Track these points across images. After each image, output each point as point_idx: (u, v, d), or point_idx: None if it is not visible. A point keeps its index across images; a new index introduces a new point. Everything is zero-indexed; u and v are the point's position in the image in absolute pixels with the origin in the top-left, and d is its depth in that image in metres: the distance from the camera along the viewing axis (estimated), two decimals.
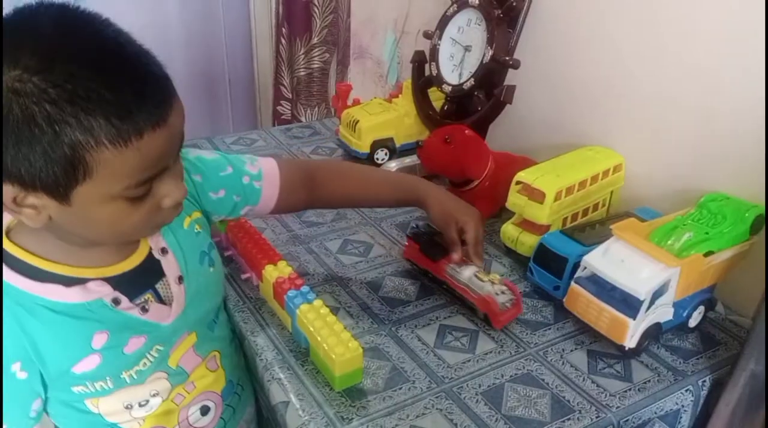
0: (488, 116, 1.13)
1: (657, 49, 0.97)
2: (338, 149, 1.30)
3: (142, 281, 0.68)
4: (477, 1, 1.13)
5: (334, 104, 1.37)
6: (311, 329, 0.72)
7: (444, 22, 1.20)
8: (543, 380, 0.74)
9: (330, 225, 1.04)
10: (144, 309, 0.66)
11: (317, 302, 0.76)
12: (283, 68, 1.77)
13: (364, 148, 1.22)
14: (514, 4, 1.10)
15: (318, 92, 1.82)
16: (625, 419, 0.71)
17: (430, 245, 0.88)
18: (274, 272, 0.81)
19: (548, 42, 1.14)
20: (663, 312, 0.78)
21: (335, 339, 0.70)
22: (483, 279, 0.81)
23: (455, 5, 1.18)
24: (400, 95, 1.29)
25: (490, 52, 1.09)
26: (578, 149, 1.04)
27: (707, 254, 0.79)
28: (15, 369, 0.61)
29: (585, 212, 1.00)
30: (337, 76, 1.81)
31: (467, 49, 1.16)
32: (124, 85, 0.53)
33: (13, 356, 0.61)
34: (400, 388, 0.73)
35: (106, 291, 0.64)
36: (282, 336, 0.80)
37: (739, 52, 0.87)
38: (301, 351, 0.77)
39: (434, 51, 1.21)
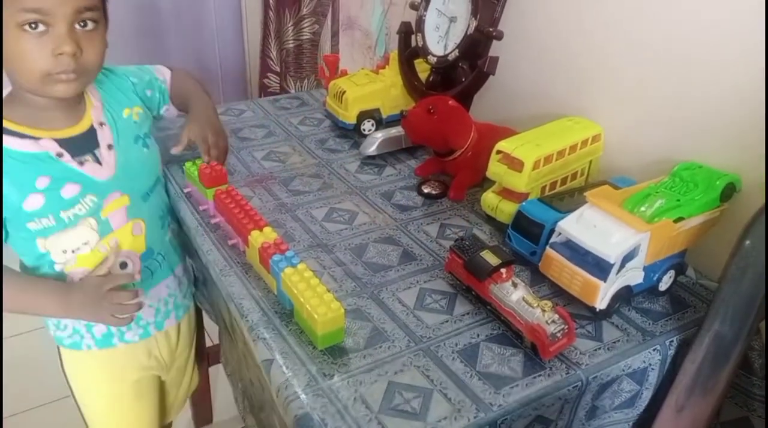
0: (472, 87, 1.15)
1: (636, 23, 0.99)
2: (325, 120, 1.32)
3: (82, 144, 0.88)
4: None
5: (321, 75, 1.39)
6: (295, 291, 0.75)
7: None
8: (517, 339, 0.78)
9: (316, 193, 1.06)
10: (80, 163, 0.87)
11: (301, 266, 0.79)
12: (270, 40, 1.78)
13: (350, 118, 1.24)
14: None
15: (308, 64, 1.83)
16: (593, 376, 0.74)
17: (476, 262, 0.80)
18: (260, 237, 0.84)
19: (531, 14, 1.16)
20: (633, 276, 0.81)
21: (318, 300, 0.73)
22: (532, 305, 0.75)
23: None
24: (386, 66, 1.30)
25: (475, 23, 1.11)
26: (558, 120, 1.07)
27: (677, 220, 0.82)
28: None
29: (564, 181, 1.02)
30: (333, 48, 1.82)
31: (452, 20, 1.17)
32: None
33: None
34: (380, 347, 0.76)
35: (53, 147, 0.85)
36: (267, 299, 0.82)
37: (716, 25, 0.88)
38: (285, 313, 0.80)
39: (420, 22, 1.22)
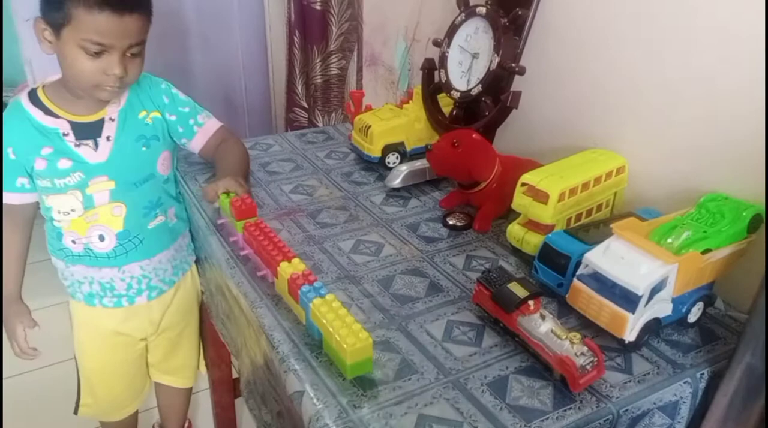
0: (495, 121, 1.17)
1: (658, 54, 1.01)
2: (351, 154, 1.35)
3: (88, 131, 1.05)
4: (484, 10, 1.17)
5: (348, 110, 1.42)
6: (324, 321, 0.77)
7: (453, 30, 1.24)
8: (546, 372, 0.78)
9: (343, 225, 1.08)
10: (77, 145, 1.05)
11: (329, 296, 0.80)
12: (296, 76, 1.83)
13: (375, 152, 1.26)
14: (520, 12, 1.13)
15: (336, 98, 1.87)
16: (624, 409, 0.74)
17: (503, 294, 0.80)
18: (289, 269, 0.86)
19: (553, 49, 1.18)
20: (662, 308, 0.81)
21: (347, 331, 0.74)
22: (561, 337, 0.75)
23: (463, 14, 1.22)
24: (410, 101, 1.33)
25: (497, 59, 1.13)
26: (582, 152, 1.08)
27: (705, 251, 0.82)
28: (8, 151, 1.03)
29: (589, 213, 1.03)
30: (357, 83, 1.86)
31: (475, 56, 1.20)
32: None
33: (8, 143, 1.03)
34: (409, 379, 0.76)
35: (64, 127, 1.04)
36: (297, 330, 0.84)
37: (738, 57, 0.90)
38: (314, 344, 0.81)
39: (443, 58, 1.25)
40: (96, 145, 1.06)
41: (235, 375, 1.46)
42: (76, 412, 1.30)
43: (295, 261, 0.87)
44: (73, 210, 1.09)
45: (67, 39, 0.94)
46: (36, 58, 1.78)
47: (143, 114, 1.11)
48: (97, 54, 0.95)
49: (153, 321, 1.25)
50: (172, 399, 1.45)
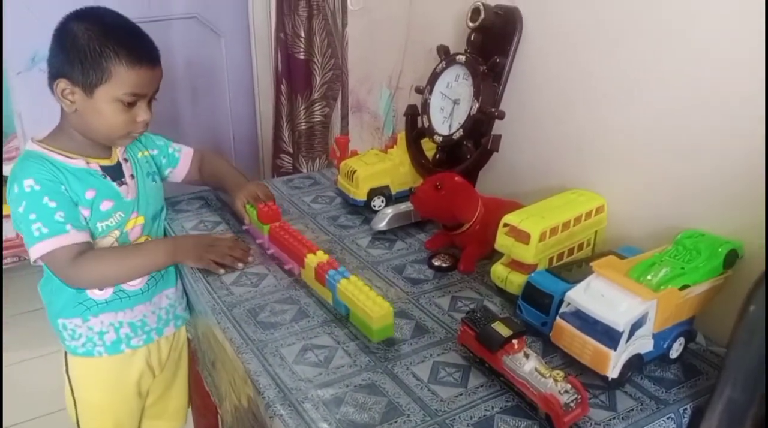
0: (477, 164, 1.20)
1: (631, 98, 1.04)
2: (337, 198, 1.37)
3: (116, 172, 1.11)
4: (464, 58, 1.21)
5: (333, 156, 1.45)
6: (351, 297, 0.91)
7: (434, 77, 1.28)
8: (531, 411, 0.78)
9: None
10: (119, 184, 1.10)
11: (353, 277, 0.95)
12: (283, 123, 1.86)
13: (361, 195, 1.28)
14: (498, 60, 1.18)
15: (319, 144, 1.90)
16: None
17: (488, 333, 0.81)
18: (315, 259, 1.00)
19: (531, 94, 1.22)
20: (643, 344, 0.82)
21: (371, 302, 0.89)
22: (545, 375, 0.76)
23: (444, 62, 1.26)
24: (395, 146, 1.36)
25: (477, 105, 1.17)
26: (562, 192, 1.10)
27: (683, 288, 0.84)
28: (62, 190, 1.02)
29: (570, 252, 1.05)
30: (342, 129, 1.90)
31: (456, 102, 1.24)
32: (139, 42, 1.03)
33: (56, 185, 1.02)
34: (396, 422, 0.76)
35: (99, 169, 1.08)
36: (283, 375, 0.84)
37: (710, 98, 0.93)
38: (300, 390, 0.81)
39: (426, 104, 1.29)
40: (125, 183, 1.11)
41: (221, 425, 1.44)
42: None
43: (319, 253, 1.02)
44: None
45: (102, 96, 1.00)
46: (26, 110, 1.80)
47: (141, 154, 1.18)
48: (131, 105, 1.03)
49: (161, 358, 1.25)
50: None
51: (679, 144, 0.99)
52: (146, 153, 1.20)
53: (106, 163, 1.10)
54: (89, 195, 1.05)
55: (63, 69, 1.00)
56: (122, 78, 1.00)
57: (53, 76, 1.01)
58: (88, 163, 1.07)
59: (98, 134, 1.06)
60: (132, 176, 1.13)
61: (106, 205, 1.07)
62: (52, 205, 1.00)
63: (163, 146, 1.24)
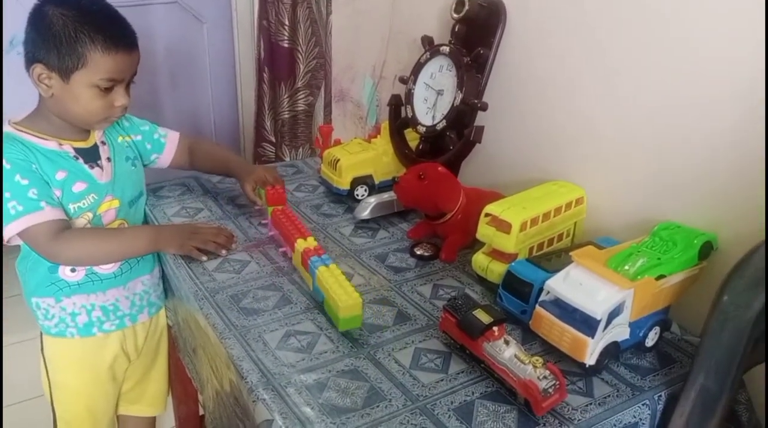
0: (460, 154, 1.21)
1: (612, 93, 1.06)
2: (320, 186, 1.37)
3: (90, 154, 1.10)
4: (448, 49, 1.22)
5: (317, 145, 1.45)
6: (325, 284, 0.92)
7: (418, 68, 1.29)
8: (511, 396, 0.80)
9: None
10: (91, 166, 1.08)
11: (332, 266, 0.96)
12: (265, 111, 1.85)
13: (344, 184, 1.29)
14: (482, 51, 1.19)
15: (303, 133, 1.90)
16: None
17: (469, 320, 0.82)
18: (303, 244, 1.01)
19: (514, 86, 1.23)
20: (620, 332, 0.84)
21: (342, 291, 0.90)
22: (524, 362, 0.77)
23: (428, 53, 1.27)
24: (378, 135, 1.36)
25: (461, 96, 1.18)
26: (543, 184, 1.12)
27: (659, 277, 0.86)
28: (33, 169, 1.01)
29: (550, 242, 1.07)
30: (326, 118, 1.90)
31: (439, 92, 1.25)
32: (116, 26, 1.01)
33: (26, 166, 1.01)
34: (378, 406, 0.78)
35: (71, 151, 1.07)
36: (266, 360, 0.84)
37: (689, 95, 0.95)
38: (284, 375, 0.82)
39: (409, 95, 1.30)
40: (100, 166, 1.10)
41: (202, 412, 1.44)
42: None
43: (310, 239, 1.03)
44: None
45: (78, 81, 0.99)
46: (5, 93, 1.77)
47: (121, 138, 1.17)
48: (108, 90, 1.02)
49: (138, 344, 1.25)
50: None
51: (658, 139, 1.01)
52: (127, 138, 1.19)
53: (81, 145, 1.09)
54: (60, 176, 1.04)
55: (39, 54, 0.99)
56: (98, 64, 0.99)
57: (29, 61, 1.00)
58: (60, 144, 1.06)
59: (76, 118, 1.05)
60: (109, 159, 1.12)
61: (78, 187, 1.06)
62: (25, 182, 1.00)
63: (148, 131, 1.23)
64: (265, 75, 1.82)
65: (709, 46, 0.91)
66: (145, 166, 1.23)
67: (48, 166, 1.03)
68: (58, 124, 1.06)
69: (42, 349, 1.19)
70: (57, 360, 1.19)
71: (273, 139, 1.88)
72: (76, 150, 1.08)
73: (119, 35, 1.01)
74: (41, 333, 1.18)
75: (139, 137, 1.21)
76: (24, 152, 1.02)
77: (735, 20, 0.88)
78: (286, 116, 1.84)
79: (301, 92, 1.82)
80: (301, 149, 1.90)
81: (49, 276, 1.10)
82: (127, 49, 1.02)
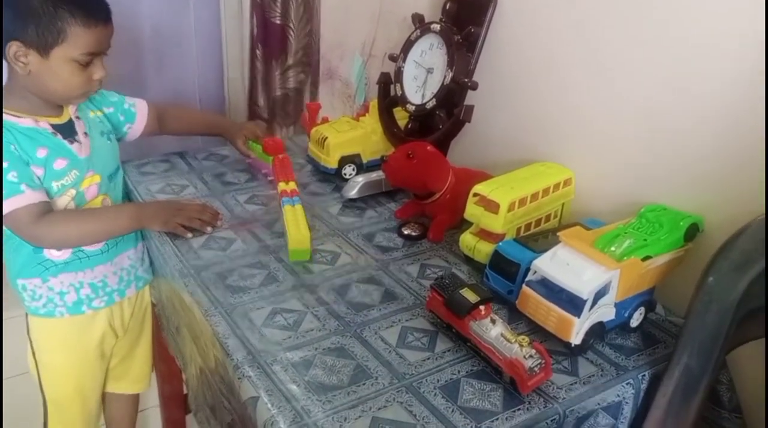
0: (449, 134, 1.21)
1: (601, 74, 1.06)
2: (307, 165, 1.36)
3: (67, 130, 1.08)
4: (438, 27, 1.21)
5: (304, 122, 1.43)
6: (285, 220, 1.05)
7: (408, 46, 1.27)
8: (496, 375, 0.80)
9: None
10: (70, 142, 1.07)
11: (298, 206, 1.09)
12: (258, 88, 1.83)
13: (332, 163, 1.28)
14: (473, 30, 1.18)
15: (293, 111, 1.88)
16: (570, 409, 0.77)
17: (456, 299, 0.82)
18: (283, 186, 1.15)
19: (504, 66, 1.22)
20: (605, 312, 0.84)
21: (295, 227, 1.02)
22: (510, 341, 0.77)
23: (418, 31, 1.25)
24: (366, 114, 1.35)
25: (451, 74, 1.17)
26: (531, 164, 1.12)
27: (645, 258, 0.87)
28: (11, 149, 0.99)
29: (538, 222, 1.07)
30: (310, 96, 1.88)
31: (429, 71, 1.23)
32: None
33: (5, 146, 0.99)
34: (364, 384, 0.78)
35: (49, 127, 1.05)
36: (252, 338, 0.84)
37: (676, 76, 0.95)
38: (269, 352, 0.82)
39: (399, 73, 1.28)
40: (78, 141, 1.08)
41: (186, 390, 1.44)
42: None
43: (291, 183, 1.16)
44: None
45: (58, 57, 0.98)
46: None
47: (92, 113, 1.16)
48: (86, 65, 1.01)
49: (124, 320, 1.25)
50: (123, 410, 1.40)
51: (647, 123, 1.01)
52: (98, 113, 1.17)
53: (56, 121, 1.07)
54: (41, 153, 1.02)
55: (15, 32, 0.96)
56: (79, 38, 0.98)
57: (5, 39, 0.97)
58: (37, 121, 1.04)
59: (55, 95, 1.04)
60: (85, 134, 1.11)
61: (60, 164, 1.04)
62: (4, 165, 0.98)
63: (118, 102, 1.22)
64: (258, 52, 1.79)
65: (700, 30, 0.91)
66: (118, 139, 1.22)
67: (28, 144, 1.01)
68: (33, 101, 1.04)
69: (28, 331, 1.17)
70: (45, 340, 1.18)
71: (266, 117, 1.86)
72: (53, 126, 1.06)
73: (97, 8, 1.01)
74: (26, 315, 1.16)
75: (111, 109, 1.20)
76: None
77: (731, 4, 0.87)
78: (278, 94, 1.81)
79: (293, 70, 1.80)
80: (292, 127, 1.88)
81: (34, 256, 1.09)
82: (105, 21, 1.02)
